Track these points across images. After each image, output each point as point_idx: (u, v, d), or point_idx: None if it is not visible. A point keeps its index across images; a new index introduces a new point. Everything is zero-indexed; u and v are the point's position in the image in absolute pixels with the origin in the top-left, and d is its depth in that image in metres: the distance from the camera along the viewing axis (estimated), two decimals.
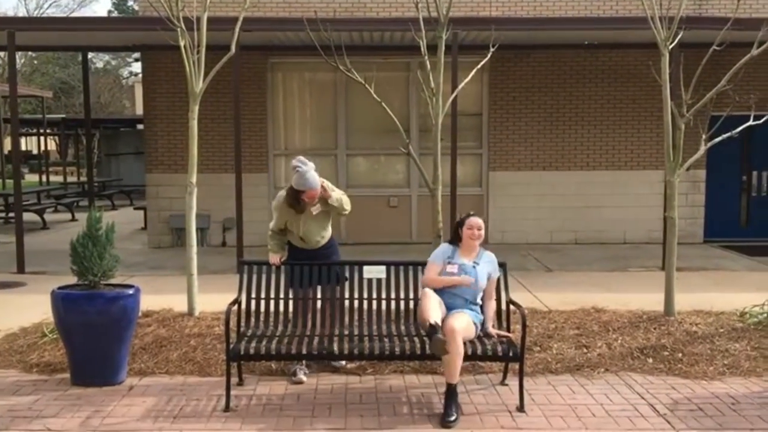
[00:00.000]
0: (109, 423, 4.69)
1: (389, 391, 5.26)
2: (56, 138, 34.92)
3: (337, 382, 5.45)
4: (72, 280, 5.52)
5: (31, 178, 28.95)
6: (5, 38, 9.72)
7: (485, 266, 5.24)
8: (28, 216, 13.31)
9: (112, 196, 20.67)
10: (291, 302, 5.48)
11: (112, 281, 5.56)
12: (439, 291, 5.08)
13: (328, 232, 5.77)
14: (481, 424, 4.68)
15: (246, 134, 11.33)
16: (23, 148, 37.12)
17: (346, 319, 5.47)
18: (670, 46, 6.78)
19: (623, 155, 12.19)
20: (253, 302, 5.44)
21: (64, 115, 28.47)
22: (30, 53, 37.82)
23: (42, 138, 25.97)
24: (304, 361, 5.47)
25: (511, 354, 4.90)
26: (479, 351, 4.86)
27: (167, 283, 8.73)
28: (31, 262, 9.86)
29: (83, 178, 23.40)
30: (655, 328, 6.45)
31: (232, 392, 4.99)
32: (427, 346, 4.86)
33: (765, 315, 6.72)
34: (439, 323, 4.71)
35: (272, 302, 5.46)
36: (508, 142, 12.13)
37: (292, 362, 5.47)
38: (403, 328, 5.37)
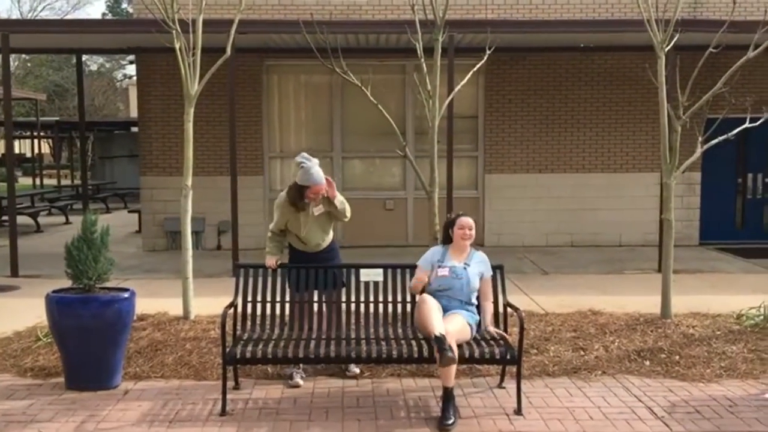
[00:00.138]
0: (104, 427, 4.66)
1: (386, 395, 5.24)
2: (50, 141, 34.80)
3: (334, 385, 5.42)
4: (66, 283, 5.49)
5: (24, 181, 28.82)
6: None
7: (476, 266, 5.23)
8: (21, 219, 13.23)
9: (106, 199, 20.60)
10: (288, 305, 5.46)
11: (107, 285, 5.52)
12: (434, 294, 5.07)
13: (330, 236, 5.73)
14: (479, 428, 4.66)
15: (241, 137, 11.30)
16: (17, 151, 36.99)
17: (343, 322, 5.45)
18: (666, 49, 6.79)
19: (619, 158, 12.20)
20: (249, 305, 5.42)
21: (57, 118, 28.43)
22: (23, 56, 37.72)
23: (36, 141, 25.88)
24: (300, 365, 5.44)
25: (508, 357, 4.88)
26: (476, 354, 4.84)
27: (162, 286, 8.70)
28: (24, 265, 9.81)
29: (77, 181, 23.31)
30: (651, 331, 6.45)
31: (228, 396, 4.96)
32: (424, 350, 4.86)
33: (761, 317, 6.73)
34: (445, 334, 4.68)
35: (268, 305, 5.44)
36: (503, 145, 12.14)
37: (288, 366, 5.45)
38: (400, 331, 5.35)
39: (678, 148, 6.81)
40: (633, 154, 12.18)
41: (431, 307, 4.88)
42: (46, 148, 37.84)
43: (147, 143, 12.07)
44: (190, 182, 6.95)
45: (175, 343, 6.10)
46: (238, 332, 5.32)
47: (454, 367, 4.69)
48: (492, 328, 5.16)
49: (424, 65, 6.71)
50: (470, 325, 5.03)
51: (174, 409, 4.96)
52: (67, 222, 16.47)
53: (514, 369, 5.01)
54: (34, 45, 12.94)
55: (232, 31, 7.26)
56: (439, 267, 5.17)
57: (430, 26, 6.80)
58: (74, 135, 26.59)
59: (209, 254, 11.46)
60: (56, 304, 5.27)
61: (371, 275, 5.50)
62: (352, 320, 5.46)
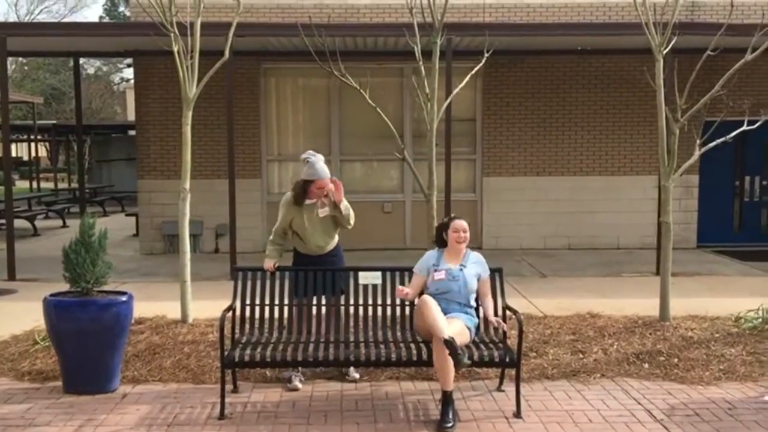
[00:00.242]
0: (103, 431, 4.64)
1: (385, 398, 5.23)
2: (47, 144, 34.76)
3: (332, 389, 5.41)
4: (64, 287, 5.47)
5: (21, 184, 28.80)
6: None
7: (473, 268, 5.23)
8: (18, 223, 13.20)
9: (104, 202, 20.58)
10: (286, 309, 5.45)
11: (105, 288, 5.51)
12: (432, 297, 5.05)
13: (334, 240, 5.73)
14: (478, 431, 4.66)
15: (239, 140, 11.30)
16: (14, 154, 36.94)
17: (342, 325, 5.44)
18: (664, 52, 6.80)
19: (616, 161, 12.21)
20: (247, 309, 5.41)
21: (55, 122, 28.36)
22: (20, 59, 37.70)
23: (33, 144, 25.84)
24: (299, 368, 5.43)
25: (507, 360, 4.88)
26: (476, 357, 4.83)
27: (160, 289, 8.68)
28: (22, 268, 9.78)
29: (74, 185, 23.31)
30: (650, 334, 6.46)
31: (227, 399, 4.95)
32: (423, 353, 4.85)
33: (760, 320, 6.73)
34: (453, 336, 4.64)
35: (267, 309, 5.43)
36: (501, 148, 12.14)
37: (287, 369, 5.43)
38: (399, 334, 5.34)
39: (676, 150, 6.82)
40: (631, 157, 12.19)
41: (434, 309, 4.82)
42: (43, 152, 37.77)
43: (144, 146, 12.05)
44: (188, 185, 6.95)
45: (173, 347, 6.09)
46: (237, 335, 5.32)
47: (453, 371, 4.68)
48: (493, 318, 5.16)
49: (422, 68, 6.71)
50: (469, 328, 5.02)
51: (172, 412, 4.94)
52: (65, 225, 16.45)
53: (513, 372, 5.00)
54: (31, 48, 12.91)
55: (230, 34, 7.26)
56: (435, 271, 5.16)
57: (428, 29, 6.81)
58: (71, 138, 26.60)
59: (207, 257, 11.44)
60: (54, 307, 5.25)
61: (369, 278, 5.50)
62: (351, 323, 5.45)
